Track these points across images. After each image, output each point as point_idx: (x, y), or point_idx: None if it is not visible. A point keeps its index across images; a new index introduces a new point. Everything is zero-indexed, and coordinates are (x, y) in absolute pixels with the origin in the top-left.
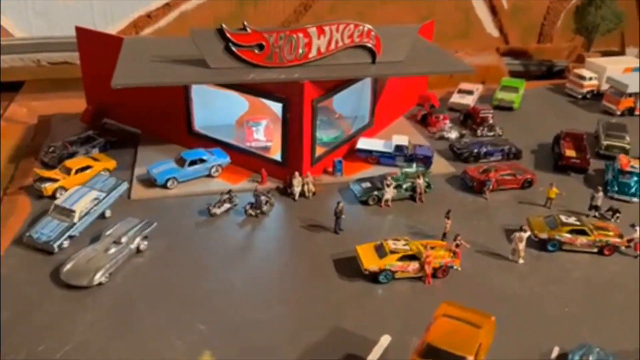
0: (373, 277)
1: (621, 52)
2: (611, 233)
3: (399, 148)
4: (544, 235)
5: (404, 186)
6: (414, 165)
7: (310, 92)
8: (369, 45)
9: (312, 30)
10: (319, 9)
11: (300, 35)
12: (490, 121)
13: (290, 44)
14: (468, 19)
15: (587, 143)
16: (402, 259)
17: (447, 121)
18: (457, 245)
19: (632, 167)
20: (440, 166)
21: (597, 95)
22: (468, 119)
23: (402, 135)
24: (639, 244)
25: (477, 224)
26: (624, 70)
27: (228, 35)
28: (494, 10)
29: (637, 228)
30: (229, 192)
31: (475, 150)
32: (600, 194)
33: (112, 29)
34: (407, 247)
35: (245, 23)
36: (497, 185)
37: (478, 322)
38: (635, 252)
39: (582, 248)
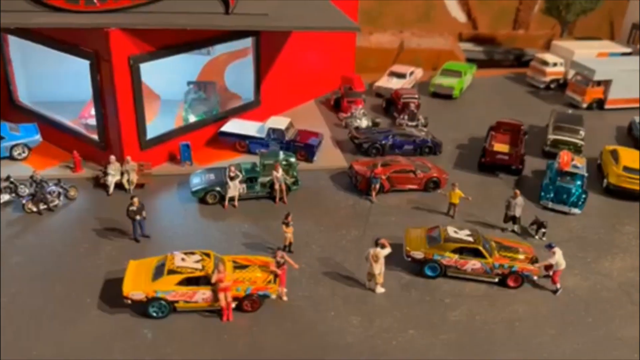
0: (144, 308)
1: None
2: (521, 256)
3: (274, 133)
4: (418, 255)
5: (261, 181)
6: (281, 153)
7: (125, 44)
8: None
9: None
10: None
11: None
12: (413, 108)
13: None
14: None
15: (524, 136)
16: (186, 282)
17: (360, 107)
18: (278, 265)
19: (575, 167)
20: (331, 158)
21: (563, 85)
22: (391, 105)
23: (281, 118)
24: (559, 273)
25: (345, 235)
26: (597, 55)
27: None
28: None
29: (556, 249)
30: (8, 178)
31: (380, 141)
32: (519, 200)
33: None
34: (198, 266)
35: None
36: (389, 184)
37: None
38: (554, 285)
39: (475, 275)
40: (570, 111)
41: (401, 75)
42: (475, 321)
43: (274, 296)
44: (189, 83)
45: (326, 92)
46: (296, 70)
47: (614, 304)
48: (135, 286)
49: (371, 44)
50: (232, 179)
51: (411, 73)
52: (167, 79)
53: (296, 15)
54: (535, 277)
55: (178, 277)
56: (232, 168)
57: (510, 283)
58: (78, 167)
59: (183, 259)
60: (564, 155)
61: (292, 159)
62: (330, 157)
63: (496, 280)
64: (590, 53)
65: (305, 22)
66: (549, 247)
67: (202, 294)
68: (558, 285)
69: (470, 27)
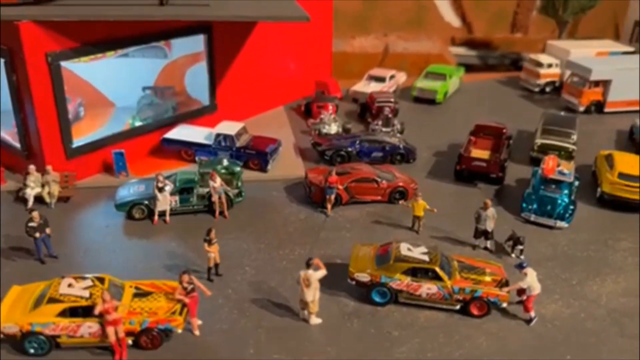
0: (20, 344)
1: None
2: (487, 278)
3: (222, 139)
4: (363, 277)
5: (198, 192)
6: (225, 161)
7: (40, 40)
8: None
9: None
10: None
11: None
12: (387, 112)
13: None
14: (419, 3)
15: (507, 141)
16: (69, 313)
17: (328, 112)
18: (187, 291)
19: (561, 173)
20: (289, 167)
21: (559, 87)
22: (366, 110)
23: (233, 123)
24: (532, 298)
25: (287, 254)
26: (596, 54)
27: None
28: None
29: (528, 270)
30: None
31: (345, 148)
32: (490, 211)
33: None
34: (85, 293)
35: None
36: (348, 195)
37: None
38: (527, 314)
39: (431, 301)
40: (562, 113)
41: (380, 79)
42: (426, 359)
43: (179, 330)
44: (144, 88)
45: (300, 98)
46: (264, 74)
47: (600, 336)
48: (10, 317)
49: (354, 49)
50: (160, 190)
51: (391, 77)
52: (124, 84)
53: (242, 5)
54: (504, 304)
55: (59, 307)
56: (160, 178)
57: (474, 311)
58: (1, 179)
59: (70, 285)
60: (549, 161)
61: (237, 168)
62: (288, 165)
63: (457, 307)
64: (588, 52)
65: (247, 12)
66: (520, 267)
67: (88, 328)
68: (532, 314)
69: (464, 32)
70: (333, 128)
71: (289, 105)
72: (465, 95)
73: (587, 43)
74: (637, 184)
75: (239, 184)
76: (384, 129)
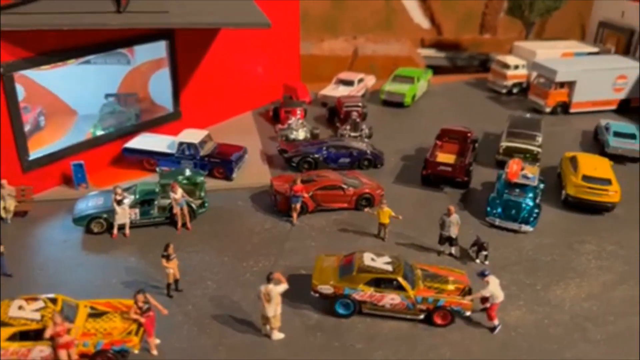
0: None
1: None
2: (450, 286)
3: (186, 147)
4: (326, 289)
5: (159, 204)
6: (187, 171)
7: None
8: None
9: None
10: None
11: None
12: (355, 117)
13: None
14: (389, 5)
15: (472, 144)
16: (19, 337)
17: (296, 117)
18: (142, 310)
19: (525, 177)
20: (255, 175)
21: (526, 88)
22: (334, 115)
23: (197, 130)
24: (495, 307)
25: (251, 266)
26: (561, 55)
27: None
28: None
29: (490, 278)
30: None
31: (311, 155)
32: (454, 217)
33: None
34: (36, 316)
35: None
36: (314, 203)
37: None
38: (491, 322)
39: (395, 312)
40: (528, 115)
41: (349, 83)
42: None
43: (135, 351)
44: (107, 96)
45: (268, 103)
46: (230, 79)
47: (563, 343)
48: None
49: (323, 51)
50: (119, 202)
51: (360, 80)
52: (86, 92)
53: (202, 11)
54: (467, 313)
55: (8, 331)
56: (119, 190)
57: (437, 320)
58: None
59: (21, 307)
60: (513, 165)
61: (199, 178)
62: (254, 173)
63: (421, 317)
64: (554, 53)
65: (207, 18)
66: (482, 275)
67: (39, 352)
68: (496, 322)
69: (434, 33)
70: (301, 134)
71: (258, 110)
72: (433, 97)
73: (553, 44)
74: (601, 186)
75: (202, 194)
76: (352, 134)
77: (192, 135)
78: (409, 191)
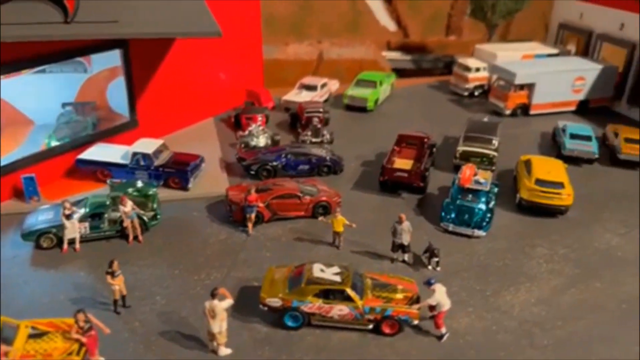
0: None
1: None
2: (398, 295)
3: (141, 158)
4: (275, 302)
5: (110, 217)
6: (139, 183)
7: None
8: None
9: None
10: None
11: None
12: (316, 123)
13: None
14: (355, 8)
15: (430, 149)
16: None
17: (257, 123)
18: (83, 330)
19: (478, 182)
20: (213, 185)
21: (488, 91)
22: (297, 120)
23: (152, 140)
24: (442, 315)
25: (203, 279)
26: (522, 57)
27: None
28: None
29: (436, 286)
30: None
31: (270, 162)
32: (405, 225)
33: None
34: None
35: None
36: (270, 212)
37: None
38: (438, 330)
39: (344, 323)
40: (485, 119)
41: (312, 88)
42: None
43: None
44: (64, 105)
45: (230, 109)
46: (191, 85)
47: (510, 349)
48: None
49: (288, 56)
50: (68, 217)
51: (323, 85)
52: (43, 101)
53: (152, 20)
54: (415, 322)
55: None
56: (67, 205)
57: (386, 330)
58: None
59: None
60: (466, 170)
61: (151, 190)
62: (212, 183)
63: (370, 327)
64: (514, 55)
65: (157, 28)
66: (428, 283)
67: None
68: (443, 330)
69: (401, 35)
70: (261, 140)
71: (220, 116)
72: (396, 101)
73: (514, 46)
74: (554, 190)
75: (155, 206)
76: (313, 140)
77: (146, 145)
78: (367, 197)
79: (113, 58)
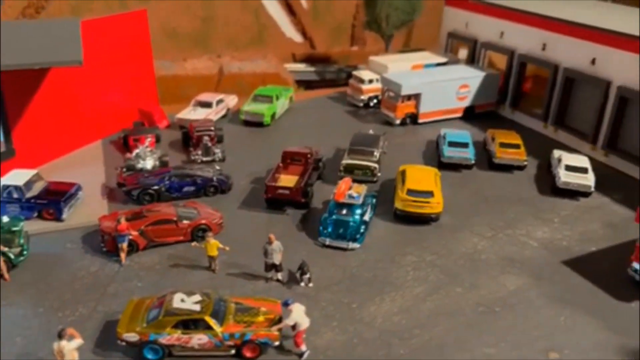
0: None
1: None
2: (261, 318)
3: (13, 190)
4: (131, 337)
5: None
6: (4, 218)
7: None
8: None
9: None
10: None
11: None
12: (207, 141)
13: None
14: (259, 21)
15: (314, 164)
16: None
17: (144, 145)
18: None
19: (351, 196)
20: (91, 213)
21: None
22: (189, 139)
23: (24, 171)
24: (301, 334)
25: (67, 316)
26: (412, 67)
27: None
28: (291, 11)
29: (293, 306)
30: None
31: (152, 186)
32: (275, 245)
33: None
34: None
35: None
36: (145, 240)
37: None
38: (298, 349)
39: (205, 351)
40: (371, 131)
41: (207, 105)
42: None
43: None
44: None
45: (120, 130)
46: (75, 108)
47: None
48: None
49: (187, 71)
50: None
51: (219, 101)
52: None
53: (14, 50)
54: (275, 343)
55: None
56: None
57: (247, 354)
58: None
59: None
60: (342, 184)
61: (17, 226)
62: (90, 211)
63: (232, 352)
64: (404, 66)
65: (17, 59)
66: (285, 304)
67: None
68: (303, 348)
69: (308, 47)
70: (149, 162)
71: (110, 137)
72: (294, 114)
73: (405, 57)
74: (424, 199)
75: (21, 241)
76: (204, 159)
77: (17, 177)
78: (253, 215)
79: None
